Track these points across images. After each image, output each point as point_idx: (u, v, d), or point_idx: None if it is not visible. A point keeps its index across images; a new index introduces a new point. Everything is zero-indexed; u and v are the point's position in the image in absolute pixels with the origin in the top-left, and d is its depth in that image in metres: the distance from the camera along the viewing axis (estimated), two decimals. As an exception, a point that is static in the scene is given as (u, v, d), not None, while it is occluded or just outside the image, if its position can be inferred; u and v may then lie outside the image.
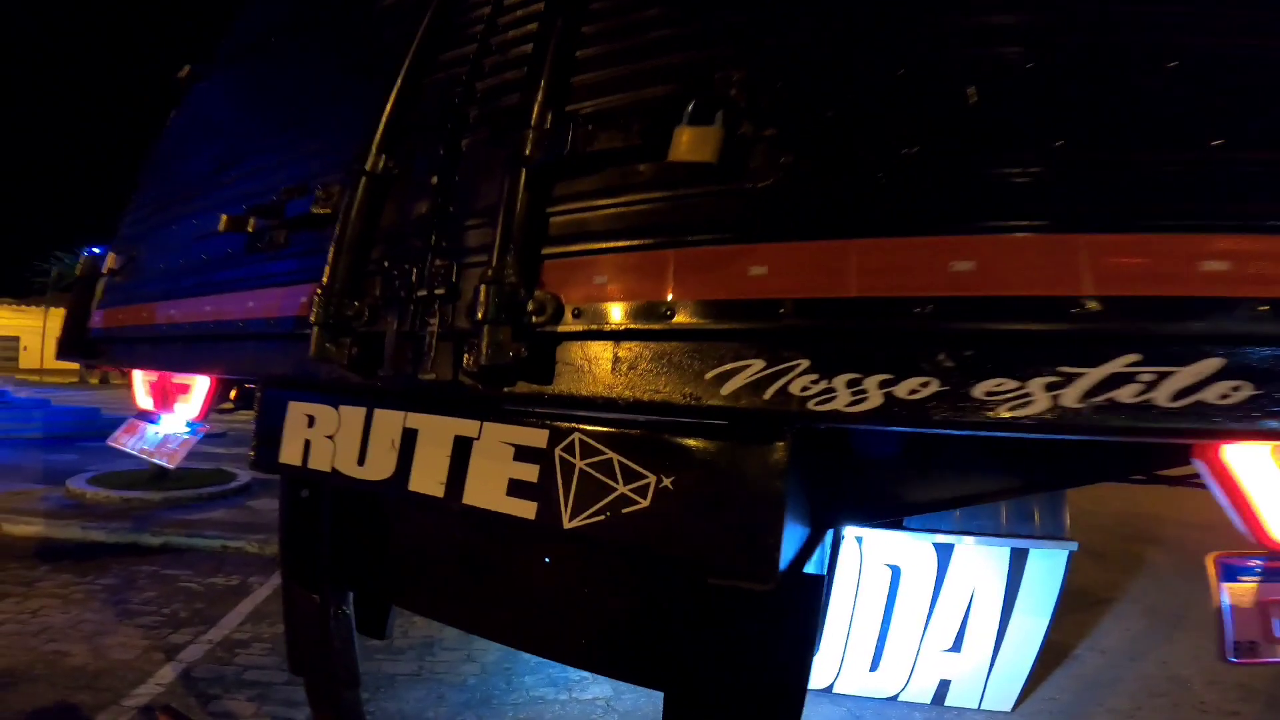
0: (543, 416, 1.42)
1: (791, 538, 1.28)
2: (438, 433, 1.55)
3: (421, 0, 1.81)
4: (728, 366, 1.16)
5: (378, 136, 1.69)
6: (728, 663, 1.49)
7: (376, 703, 3.78)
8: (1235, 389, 0.96)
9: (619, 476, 1.33)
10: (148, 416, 3.23)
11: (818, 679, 3.66)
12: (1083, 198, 1.01)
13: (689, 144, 1.20)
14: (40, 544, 6.68)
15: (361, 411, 1.70)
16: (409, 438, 1.60)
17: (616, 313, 1.27)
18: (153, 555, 6.59)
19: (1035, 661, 3.58)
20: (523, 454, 1.43)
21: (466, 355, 1.33)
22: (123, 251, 2.94)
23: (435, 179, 1.61)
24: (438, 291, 1.49)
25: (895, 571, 3.52)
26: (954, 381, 1.03)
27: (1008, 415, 1.01)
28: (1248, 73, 1.01)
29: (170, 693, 3.88)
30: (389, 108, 1.71)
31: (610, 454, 1.34)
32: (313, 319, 1.59)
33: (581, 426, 1.37)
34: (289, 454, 1.88)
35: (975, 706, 3.59)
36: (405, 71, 1.74)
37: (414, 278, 1.56)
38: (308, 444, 1.84)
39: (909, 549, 3.48)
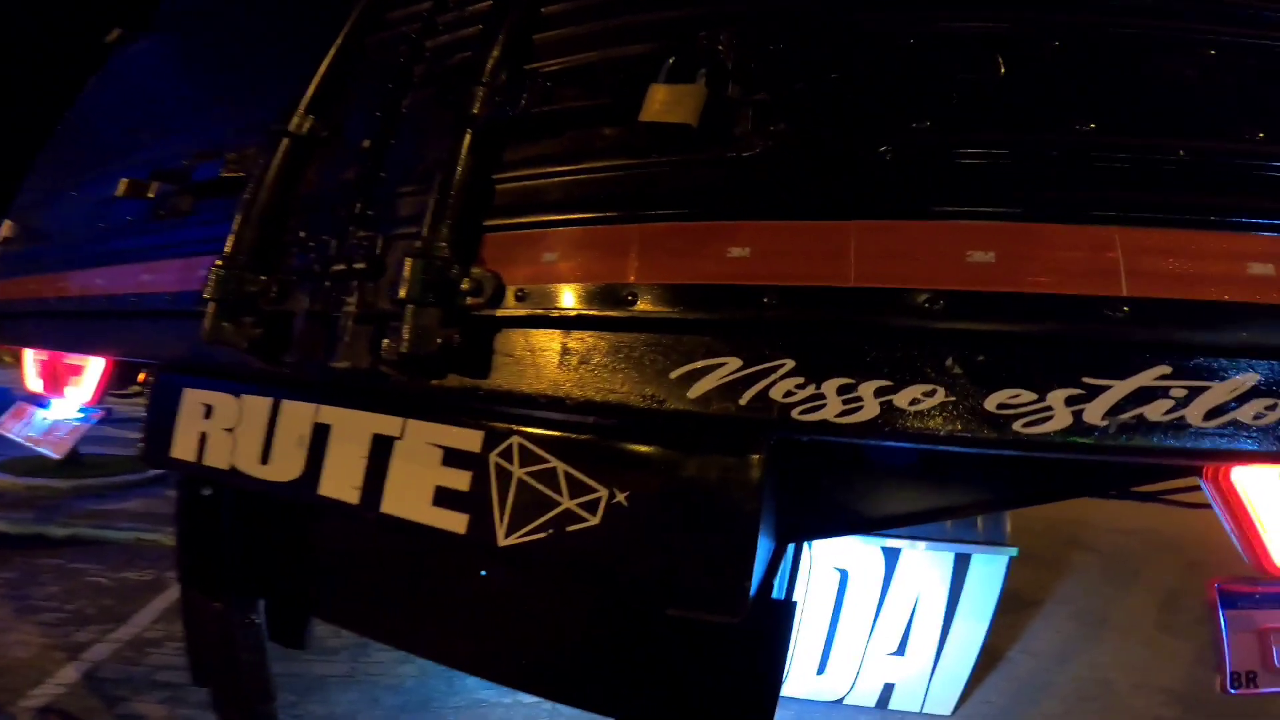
0: (477, 415, 1.24)
1: (760, 562, 1.12)
2: (354, 430, 1.35)
3: None
4: (698, 364, 1.01)
5: (307, 96, 1.53)
6: (686, 696, 1.37)
7: (304, 706, 3.54)
8: (1270, 407, 0.85)
9: (564, 489, 1.15)
10: (38, 400, 2.93)
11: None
12: (1112, 187, 0.89)
13: (665, 103, 1.07)
14: (-67, 535, 6.12)
15: (267, 403, 1.48)
16: (320, 434, 1.39)
17: (568, 296, 1.10)
18: (59, 548, 6.15)
19: (975, 665, 3.64)
20: (452, 458, 1.25)
21: (386, 341, 1.12)
22: (20, 220, 2.70)
23: (368, 142, 1.46)
24: (358, 266, 1.28)
25: (843, 575, 3.54)
26: (963, 391, 0.89)
27: (1023, 432, 0.87)
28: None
29: (72, 694, 3.60)
30: (324, 66, 1.57)
31: (555, 462, 1.16)
32: (207, 294, 1.38)
33: (522, 429, 1.20)
34: (182, 448, 1.66)
35: (918, 710, 3.62)
36: (348, 29, 1.58)
37: (332, 250, 1.35)
38: (204, 437, 1.61)
39: (857, 553, 3.51)
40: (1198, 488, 1.16)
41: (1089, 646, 4.80)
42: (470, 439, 1.23)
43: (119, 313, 1.87)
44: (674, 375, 1.02)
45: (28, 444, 2.89)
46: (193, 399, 1.65)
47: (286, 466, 1.42)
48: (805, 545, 3.55)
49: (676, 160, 1.10)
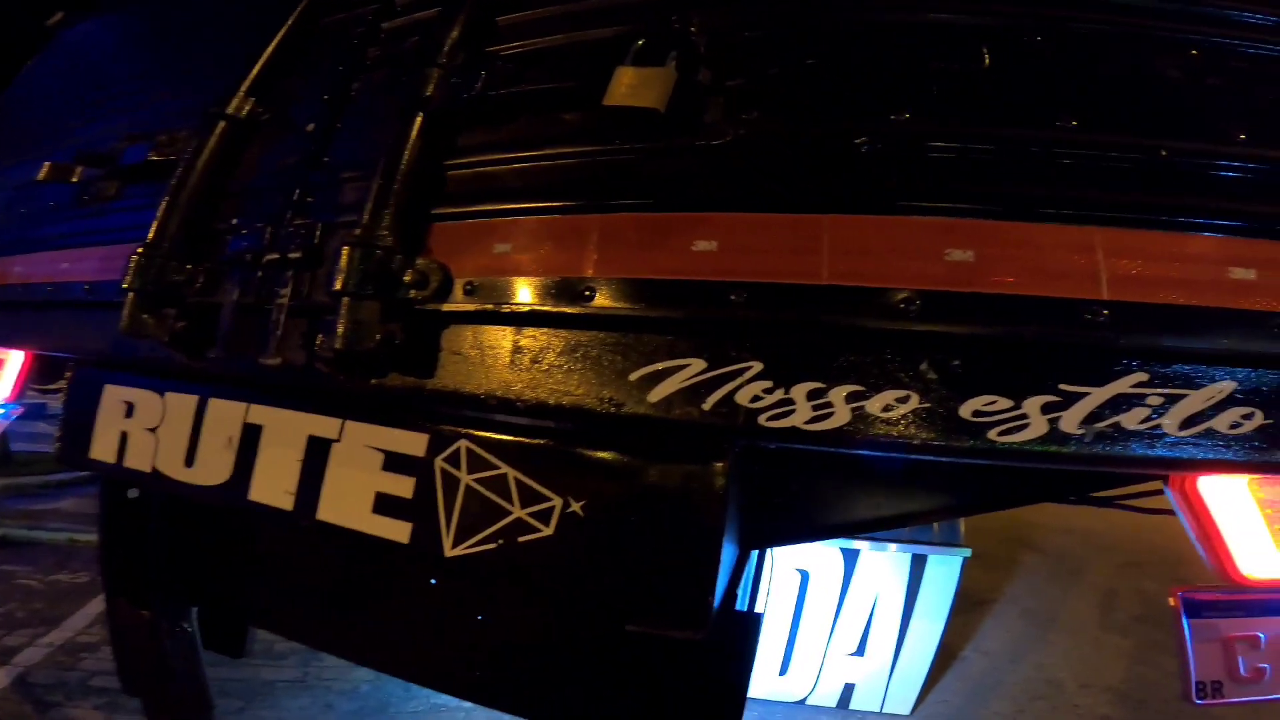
0: (422, 417, 1.16)
1: (724, 574, 1.07)
2: (287, 431, 1.26)
3: None
4: (659, 366, 0.95)
5: (250, 78, 1.45)
6: (648, 709, 1.33)
7: (252, 712, 3.42)
8: (1247, 416, 0.83)
9: (515, 497, 1.08)
10: (-48, 395, 2.74)
11: None
12: (1094, 186, 0.85)
13: (631, 87, 1.01)
14: None
15: (192, 401, 1.37)
16: (250, 435, 1.29)
17: (521, 290, 1.03)
18: (-12, 550, 5.83)
19: (932, 664, 3.68)
20: (395, 463, 1.16)
21: (321, 336, 1.03)
22: None
23: (312, 126, 1.39)
24: (292, 256, 1.19)
25: (804, 576, 3.55)
26: (938, 397, 0.84)
27: (999, 441, 0.83)
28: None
29: (2, 700, 3.46)
30: (271, 48, 1.49)
31: (505, 469, 1.09)
32: (126, 284, 1.27)
33: (470, 432, 1.12)
34: (101, 448, 1.55)
35: (878, 709, 3.66)
36: (301, 9, 1.51)
37: (266, 239, 1.26)
38: (124, 437, 1.50)
39: (817, 554, 3.52)
40: (1156, 493, 1.15)
41: (1037, 645, 4.90)
42: (414, 442, 1.15)
43: (34, 303, 1.75)
44: (634, 377, 0.96)
45: (-60, 442, 2.73)
46: (113, 396, 1.54)
47: (213, 470, 1.32)
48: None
49: (642, 147, 1.04)
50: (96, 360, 1.63)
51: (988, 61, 0.93)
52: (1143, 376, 0.81)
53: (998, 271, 0.82)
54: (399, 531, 1.15)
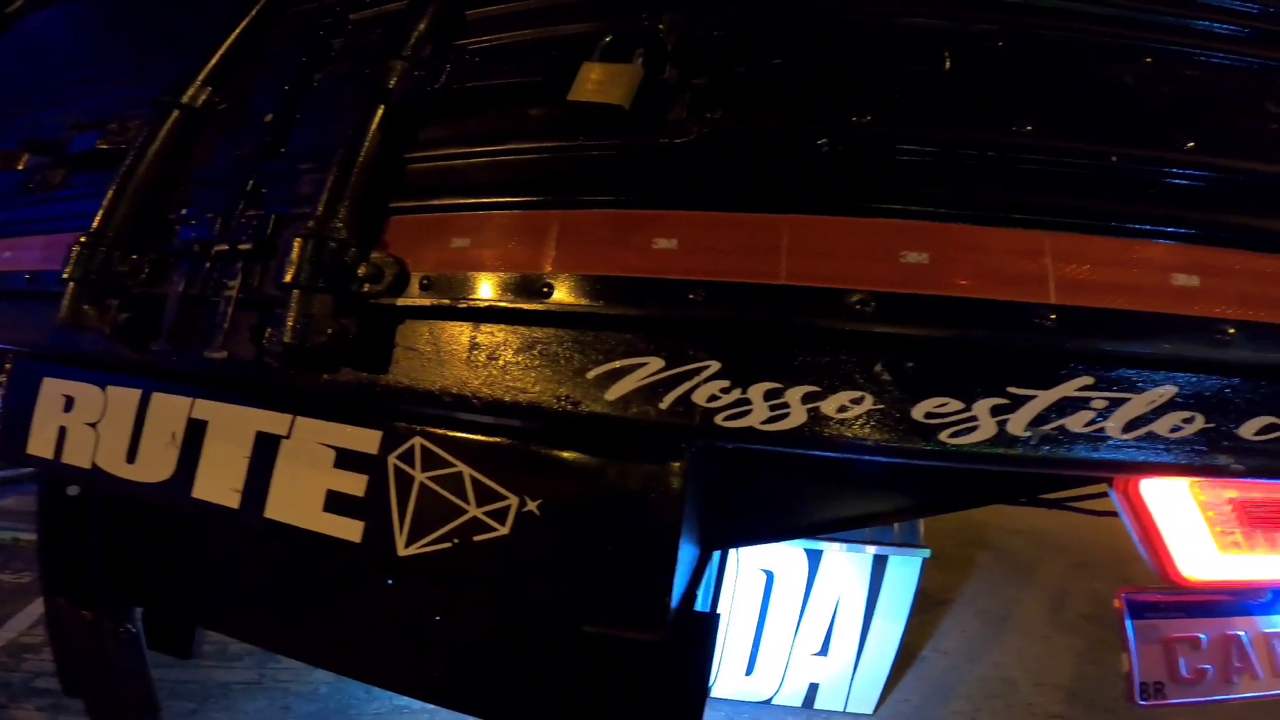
0: (375, 414, 1.13)
1: (682, 574, 1.07)
2: (234, 427, 1.22)
3: None
4: (617, 364, 0.94)
5: (208, 67, 1.42)
6: (608, 710, 1.33)
7: (206, 714, 3.34)
8: (1187, 420, 0.85)
9: (471, 495, 1.06)
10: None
11: None
12: (1045, 191, 0.87)
13: (597, 83, 1.01)
14: None
15: (135, 395, 1.32)
16: (195, 431, 1.25)
17: (479, 286, 1.02)
18: (-73, 549, 5.59)
19: (893, 664, 3.73)
20: (347, 460, 1.13)
21: (270, 329, 1.00)
22: None
23: (271, 116, 1.36)
24: (242, 247, 1.16)
25: (769, 576, 3.58)
26: (891, 399, 0.85)
27: (950, 442, 0.84)
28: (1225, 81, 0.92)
29: None
30: (233, 37, 1.46)
31: (461, 466, 1.07)
32: (66, 274, 1.23)
33: (425, 429, 1.10)
34: (40, 443, 1.48)
35: (841, 709, 3.71)
36: (265, 1, 1.48)
37: (216, 229, 1.22)
38: (63, 432, 1.44)
39: (782, 554, 3.55)
40: (1102, 495, 1.17)
41: (993, 645, 4.99)
42: (367, 439, 1.12)
43: None
44: (591, 375, 0.95)
45: None
46: (52, 389, 1.48)
47: (155, 466, 1.27)
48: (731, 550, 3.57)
49: (605, 144, 1.03)
50: (36, 352, 1.56)
51: (947, 66, 0.95)
52: (1088, 380, 0.83)
53: (950, 274, 0.83)
54: (351, 530, 1.12)
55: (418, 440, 1.09)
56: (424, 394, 1.04)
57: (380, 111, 1.12)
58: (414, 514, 1.09)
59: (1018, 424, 0.83)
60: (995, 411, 0.83)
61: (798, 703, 3.66)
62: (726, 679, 3.63)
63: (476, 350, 1.01)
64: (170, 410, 1.28)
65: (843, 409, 0.86)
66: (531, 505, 1.04)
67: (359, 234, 1.05)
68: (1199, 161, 0.88)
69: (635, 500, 0.99)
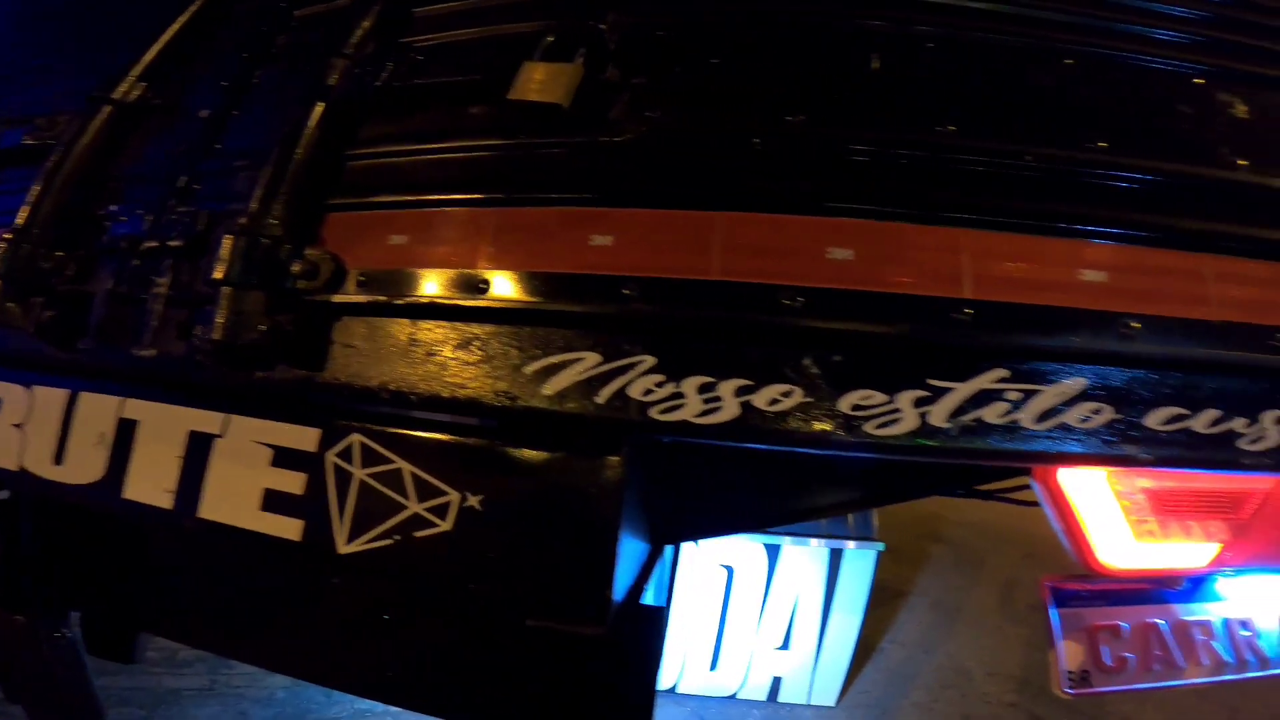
0: (313, 411, 1.12)
1: (626, 568, 1.08)
2: (166, 426, 1.19)
3: None
4: (554, 359, 0.95)
5: (144, 62, 1.40)
6: (557, 705, 1.32)
7: None
8: (1096, 411, 0.89)
9: (411, 492, 1.06)
10: None
11: (663, 680, 3.74)
12: (964, 190, 0.91)
13: (537, 82, 1.02)
14: None
15: (62, 395, 1.29)
16: (126, 431, 1.22)
17: (416, 282, 1.02)
18: None
19: (853, 656, 3.79)
20: (284, 458, 1.12)
21: (200, 327, 0.99)
22: None
23: (207, 112, 1.34)
24: (172, 244, 1.14)
25: (730, 572, 3.60)
26: (819, 392, 0.87)
27: (875, 434, 0.87)
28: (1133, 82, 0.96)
29: None
30: (172, 31, 1.43)
31: (400, 463, 1.06)
32: None
33: (364, 426, 1.09)
34: None
35: (805, 702, 3.75)
36: None
37: (146, 226, 1.20)
38: (-12, 434, 1.38)
39: (741, 550, 3.58)
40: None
41: (947, 636, 5.08)
42: (304, 437, 1.11)
43: None
44: (529, 370, 0.96)
45: None
46: (-25, 390, 1.43)
47: (85, 468, 1.24)
48: (689, 545, 3.58)
49: (544, 142, 1.04)
50: None
51: (875, 67, 0.98)
52: (1003, 373, 0.86)
53: (874, 270, 0.86)
54: (289, 529, 1.11)
55: (356, 437, 1.08)
56: (362, 391, 1.03)
57: (320, 109, 1.11)
58: (354, 511, 1.08)
59: (938, 415, 0.86)
60: (917, 403, 0.86)
61: (762, 696, 3.70)
62: (691, 675, 3.66)
63: (415, 347, 1.01)
64: (99, 410, 1.25)
65: (774, 402, 0.88)
66: (473, 500, 1.04)
67: (294, 231, 1.04)
68: (1110, 162, 0.92)
69: (574, 494, 1.00)
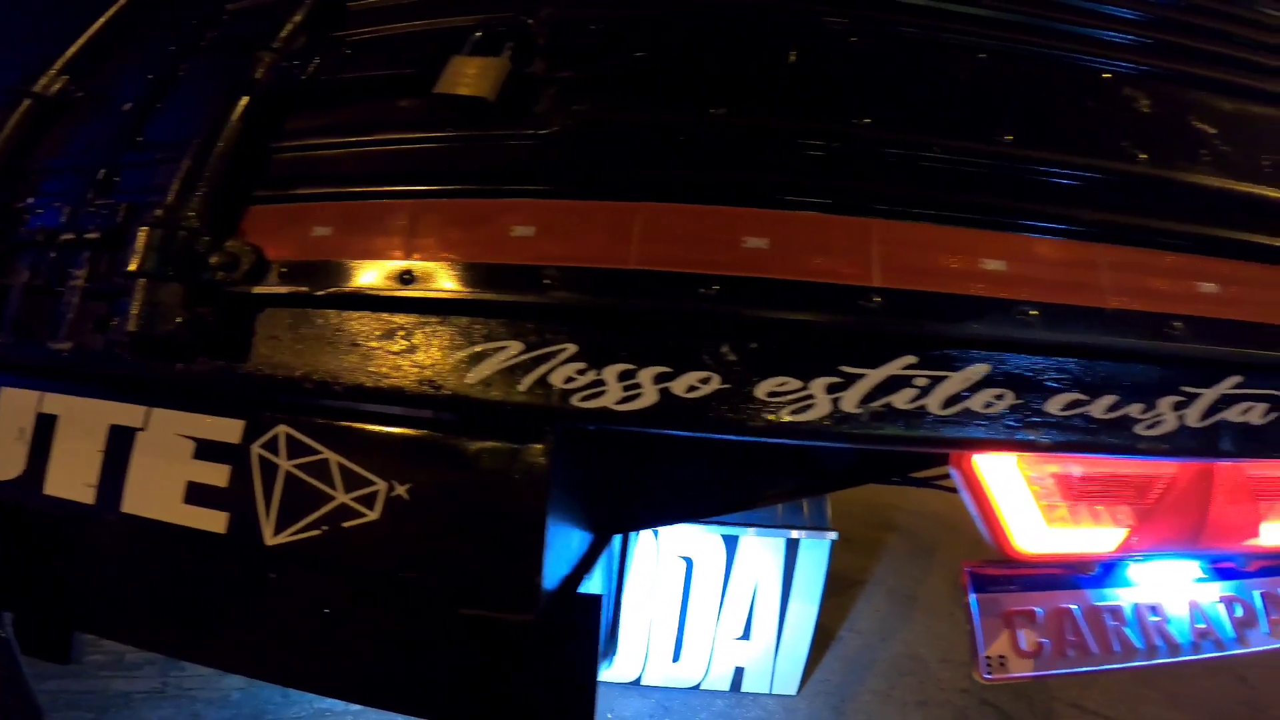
0: (236, 403, 1.12)
1: (559, 556, 1.09)
2: (86, 421, 1.17)
3: None
4: (477, 348, 0.96)
5: (67, 55, 1.40)
6: (497, 694, 1.32)
7: None
8: (999, 397, 0.92)
9: (338, 482, 1.06)
10: None
11: (626, 672, 3.77)
12: (877, 180, 0.93)
13: (464, 76, 1.03)
14: None
15: None
16: (45, 426, 1.19)
17: (340, 273, 1.02)
18: None
19: (811, 645, 3.84)
20: (207, 450, 1.11)
21: (114, 319, 0.97)
22: None
23: (129, 105, 1.33)
24: (89, 236, 1.12)
25: (689, 563, 3.63)
26: (736, 378, 0.89)
27: (790, 420, 0.89)
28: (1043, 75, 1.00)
29: None
30: (97, 26, 1.44)
31: (327, 453, 1.06)
32: None
33: (289, 417, 1.09)
34: None
35: (768, 690, 3.79)
36: None
37: (63, 219, 1.17)
38: (-100, 432, 1.34)
39: (700, 541, 3.61)
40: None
41: (903, 624, 5.17)
42: (228, 429, 1.10)
43: None
44: (453, 359, 0.96)
45: None
46: (-114, 386, 1.38)
47: (5, 464, 1.21)
48: (653, 533, 3.60)
49: (468, 135, 1.05)
50: None
51: (792, 60, 1.00)
52: (911, 359, 0.89)
53: (787, 259, 0.89)
54: (214, 521, 1.10)
55: (282, 428, 1.08)
56: (286, 382, 1.03)
57: (244, 102, 1.11)
58: (280, 503, 1.08)
59: (850, 401, 0.89)
60: (830, 390, 0.89)
61: (725, 687, 3.73)
62: (655, 667, 3.68)
63: (339, 337, 1.01)
64: (17, 405, 1.22)
65: (692, 389, 0.90)
66: (400, 490, 1.04)
67: (213, 223, 1.03)
68: (1015, 154, 0.96)
69: (501, 482, 1.01)
